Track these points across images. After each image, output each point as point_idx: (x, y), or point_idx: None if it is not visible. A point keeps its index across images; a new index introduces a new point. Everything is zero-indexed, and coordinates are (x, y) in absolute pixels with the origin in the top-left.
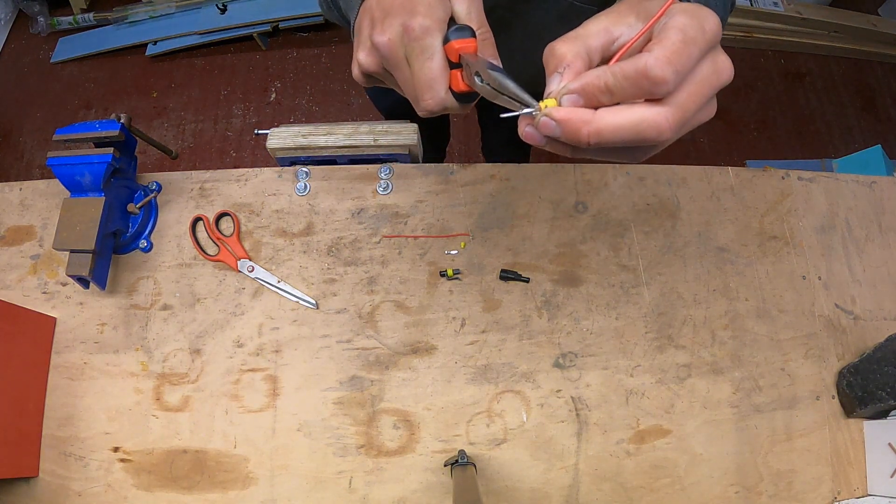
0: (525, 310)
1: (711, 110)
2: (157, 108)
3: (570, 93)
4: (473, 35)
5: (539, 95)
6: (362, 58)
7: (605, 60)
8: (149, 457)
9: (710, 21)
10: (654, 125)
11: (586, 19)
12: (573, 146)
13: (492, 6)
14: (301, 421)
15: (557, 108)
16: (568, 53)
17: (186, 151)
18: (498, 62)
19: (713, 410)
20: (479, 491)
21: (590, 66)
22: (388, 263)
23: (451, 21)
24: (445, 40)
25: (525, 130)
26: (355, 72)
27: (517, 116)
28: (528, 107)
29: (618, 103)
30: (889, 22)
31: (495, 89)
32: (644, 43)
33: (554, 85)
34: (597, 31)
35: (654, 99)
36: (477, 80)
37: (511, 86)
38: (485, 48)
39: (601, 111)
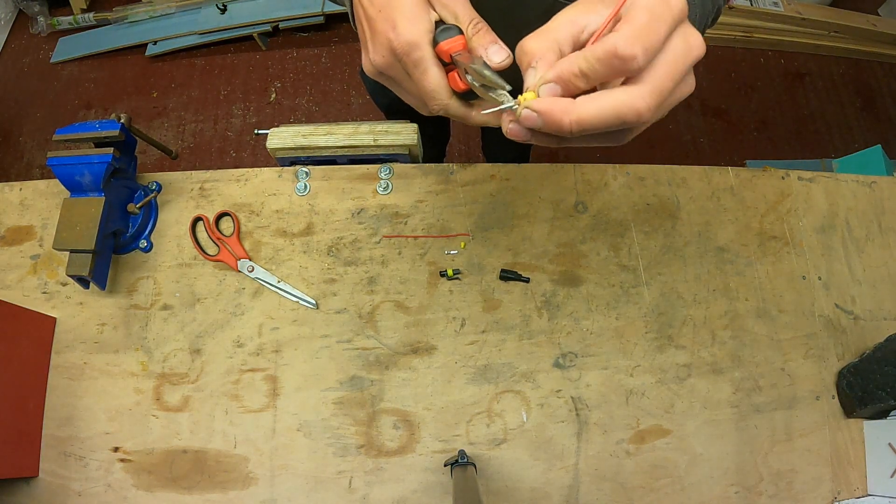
0: (525, 310)
1: (689, 86)
2: (157, 108)
3: (546, 82)
4: (460, 32)
5: (521, 91)
6: (368, 68)
7: (577, 50)
8: (149, 457)
9: None
10: (632, 108)
11: None
12: (557, 137)
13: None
14: (301, 421)
15: (537, 100)
16: (538, 48)
17: (186, 151)
18: (497, 46)
19: (713, 410)
20: (479, 491)
21: (559, 57)
22: (388, 263)
23: (440, 23)
24: (435, 42)
25: (509, 127)
26: (368, 73)
27: (499, 113)
28: (507, 102)
29: (594, 89)
30: (889, 22)
31: (481, 84)
32: (613, 27)
33: (530, 79)
34: (563, 22)
35: (629, 81)
36: (469, 77)
37: (489, 74)
38: (481, 38)
39: (580, 99)
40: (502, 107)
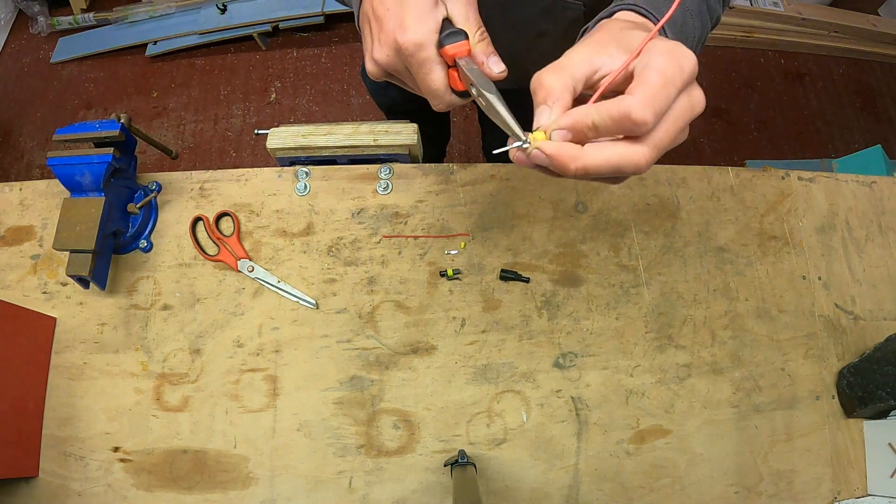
0: (525, 310)
1: (684, 136)
2: (157, 108)
3: (560, 128)
4: (466, 37)
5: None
6: (371, 67)
7: (588, 89)
8: (149, 457)
9: (687, 61)
10: (633, 163)
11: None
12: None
13: None
14: (301, 421)
15: (548, 143)
16: (555, 86)
17: (186, 151)
18: (497, 59)
19: (713, 410)
20: (479, 491)
21: (574, 96)
22: (388, 263)
23: (447, 22)
24: (440, 44)
25: (516, 156)
26: (370, 72)
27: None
28: (518, 139)
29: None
30: (889, 22)
31: (486, 104)
32: (625, 76)
33: (544, 118)
34: (580, 61)
35: (633, 135)
36: (472, 90)
37: (502, 111)
38: (485, 47)
39: (587, 148)
40: (514, 145)
